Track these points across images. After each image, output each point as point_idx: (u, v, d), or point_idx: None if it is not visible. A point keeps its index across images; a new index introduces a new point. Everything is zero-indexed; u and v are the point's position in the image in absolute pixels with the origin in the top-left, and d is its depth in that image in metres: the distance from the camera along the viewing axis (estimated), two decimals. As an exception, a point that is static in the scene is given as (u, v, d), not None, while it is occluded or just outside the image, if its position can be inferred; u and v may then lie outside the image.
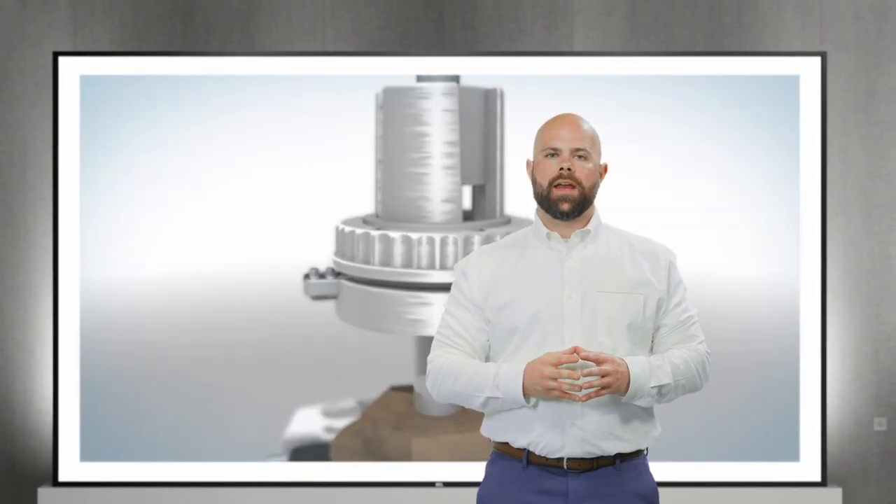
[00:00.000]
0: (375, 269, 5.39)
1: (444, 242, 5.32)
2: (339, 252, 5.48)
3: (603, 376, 2.79)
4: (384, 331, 5.44)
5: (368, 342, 5.54)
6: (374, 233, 5.38)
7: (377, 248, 5.36)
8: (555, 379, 2.77)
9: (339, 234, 5.48)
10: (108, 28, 5.80)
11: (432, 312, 5.38)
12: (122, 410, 5.57)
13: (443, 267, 5.37)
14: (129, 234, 5.61)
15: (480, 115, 5.49)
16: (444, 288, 5.35)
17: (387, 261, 5.36)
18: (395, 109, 5.47)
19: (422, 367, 5.49)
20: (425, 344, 5.46)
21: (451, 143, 5.45)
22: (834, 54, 5.75)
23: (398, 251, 5.35)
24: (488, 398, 2.87)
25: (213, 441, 5.57)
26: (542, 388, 2.79)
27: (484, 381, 2.87)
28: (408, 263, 5.37)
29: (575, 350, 2.80)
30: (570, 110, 3.06)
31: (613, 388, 2.81)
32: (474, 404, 2.92)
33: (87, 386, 5.56)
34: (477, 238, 5.34)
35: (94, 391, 5.56)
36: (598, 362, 2.79)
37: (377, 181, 5.50)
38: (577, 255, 2.95)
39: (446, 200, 5.43)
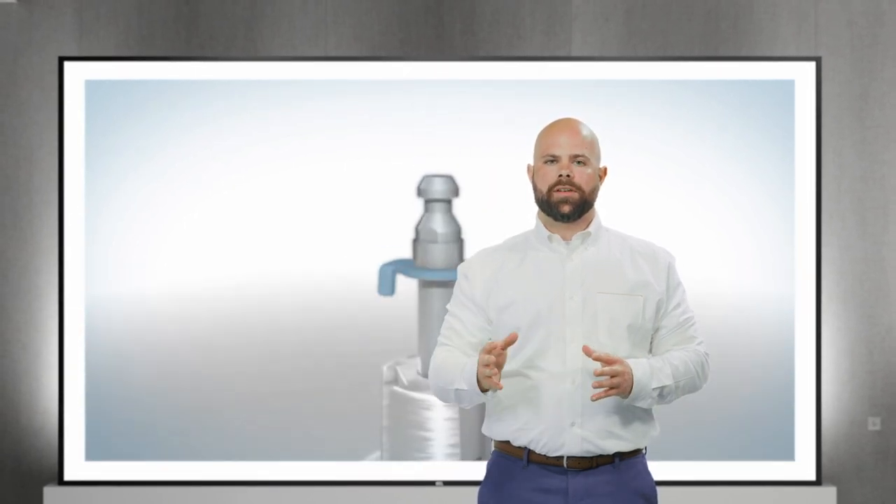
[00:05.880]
0: None
1: None
2: None
3: (612, 377, 2.79)
4: None
5: (368, 350, 5.62)
6: None
7: None
8: (487, 366, 2.75)
9: None
10: (113, 33, 5.84)
11: None
12: (126, 410, 5.57)
13: None
14: (133, 238, 5.62)
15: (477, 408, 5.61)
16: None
17: None
18: (399, 414, 5.61)
19: None
20: None
21: (451, 446, 5.58)
22: (828, 59, 5.79)
23: None
24: (456, 390, 2.88)
25: (216, 440, 5.59)
26: (481, 377, 2.78)
27: (454, 373, 2.88)
28: None
29: (584, 350, 2.80)
30: (568, 115, 3.05)
31: (620, 390, 2.81)
32: (451, 398, 2.92)
33: (92, 386, 5.57)
34: None
35: (99, 391, 5.57)
36: (608, 363, 2.79)
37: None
38: (578, 257, 2.95)
39: None
